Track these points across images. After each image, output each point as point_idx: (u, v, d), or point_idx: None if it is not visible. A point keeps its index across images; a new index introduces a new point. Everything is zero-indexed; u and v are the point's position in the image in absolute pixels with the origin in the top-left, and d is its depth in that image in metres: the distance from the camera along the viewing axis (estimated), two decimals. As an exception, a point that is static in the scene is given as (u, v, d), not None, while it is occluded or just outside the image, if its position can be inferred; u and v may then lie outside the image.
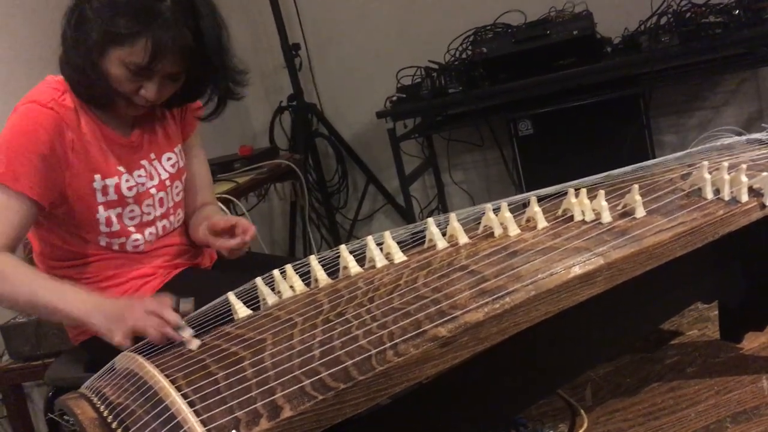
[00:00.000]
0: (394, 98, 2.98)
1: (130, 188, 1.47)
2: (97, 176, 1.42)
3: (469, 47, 2.96)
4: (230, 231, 1.46)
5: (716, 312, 1.87)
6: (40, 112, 1.35)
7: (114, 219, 1.45)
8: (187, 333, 1.15)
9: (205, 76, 1.45)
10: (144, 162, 1.51)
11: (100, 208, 1.44)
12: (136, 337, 1.22)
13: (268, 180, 2.90)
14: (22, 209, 1.34)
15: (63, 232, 1.46)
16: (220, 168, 2.73)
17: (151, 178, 1.52)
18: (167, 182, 1.55)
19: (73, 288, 1.33)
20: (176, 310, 1.23)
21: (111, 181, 1.44)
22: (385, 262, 1.28)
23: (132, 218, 1.48)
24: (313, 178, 3.48)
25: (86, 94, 1.39)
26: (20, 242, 1.38)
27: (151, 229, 1.52)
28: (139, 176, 1.49)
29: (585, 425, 1.60)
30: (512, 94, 2.80)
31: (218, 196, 2.40)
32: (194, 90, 1.50)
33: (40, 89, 1.40)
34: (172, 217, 1.57)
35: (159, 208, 1.53)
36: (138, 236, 1.50)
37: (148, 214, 1.50)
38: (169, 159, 1.56)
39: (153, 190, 1.51)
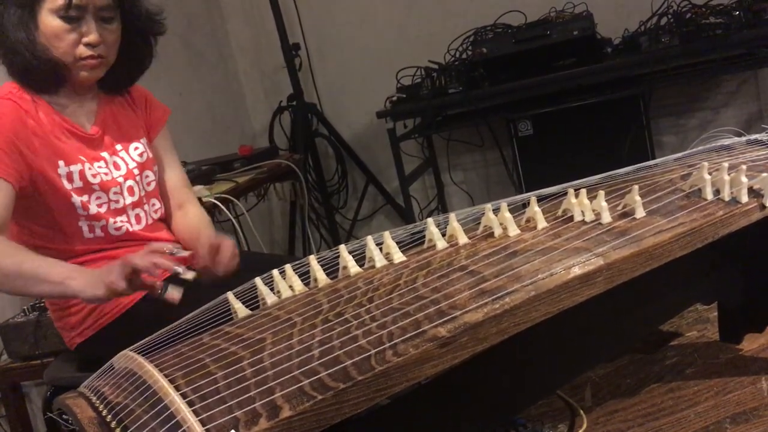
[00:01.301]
0: (394, 98, 2.98)
1: (94, 176, 1.49)
2: (61, 162, 1.45)
3: (470, 47, 2.96)
4: (215, 253, 1.46)
5: (716, 313, 1.87)
6: (0, 103, 1.40)
7: (89, 204, 1.47)
8: (180, 268, 1.16)
9: (130, 17, 1.50)
10: (104, 154, 1.53)
11: (73, 194, 1.45)
12: (135, 333, 1.22)
13: (268, 180, 2.90)
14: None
15: (46, 231, 1.47)
16: (219, 168, 2.73)
17: (117, 168, 1.54)
18: (135, 170, 1.56)
19: (61, 261, 1.36)
20: (161, 295, 1.24)
21: (75, 168, 1.46)
22: (385, 262, 1.28)
23: (100, 205, 1.49)
24: (312, 178, 3.48)
25: (34, 75, 1.44)
26: (4, 225, 1.38)
27: (122, 217, 1.53)
28: (99, 167, 1.51)
29: (584, 426, 1.59)
30: (512, 94, 2.80)
31: (218, 195, 2.40)
32: (130, 50, 1.54)
33: None
34: (146, 206, 1.58)
35: (129, 196, 1.54)
36: (114, 220, 1.51)
37: (116, 201, 1.52)
38: (136, 149, 1.59)
39: (120, 179, 1.53)
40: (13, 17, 1.40)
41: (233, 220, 2.55)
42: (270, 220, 3.69)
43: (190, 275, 1.16)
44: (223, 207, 2.39)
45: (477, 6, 3.11)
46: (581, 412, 1.64)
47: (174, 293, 1.24)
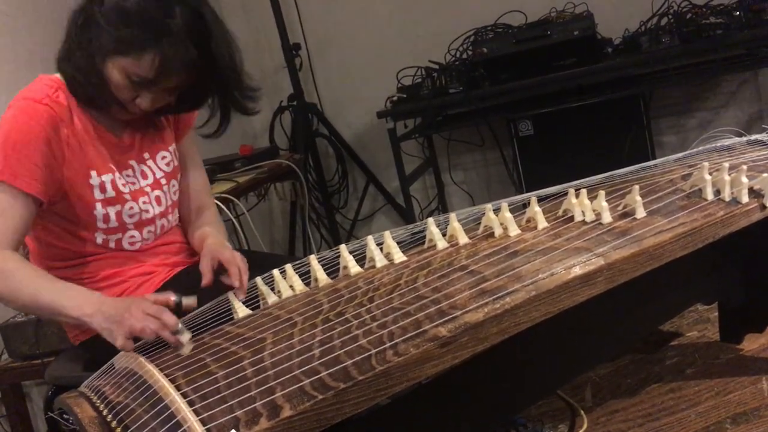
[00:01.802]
0: (395, 98, 2.98)
1: (124, 185, 1.46)
2: (93, 172, 1.42)
3: (470, 47, 2.96)
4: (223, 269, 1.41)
5: (716, 313, 1.87)
6: (34, 108, 1.35)
7: (112, 216, 1.45)
8: (185, 337, 1.15)
9: (205, 91, 1.44)
10: (132, 162, 1.50)
11: (98, 205, 1.43)
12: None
13: (268, 180, 2.90)
14: (22, 207, 1.34)
15: (60, 230, 1.46)
16: (220, 167, 2.72)
17: (145, 177, 1.51)
18: (162, 180, 1.54)
19: (75, 287, 1.32)
20: (179, 305, 1.23)
21: (107, 177, 1.44)
22: (385, 262, 1.28)
23: (131, 216, 1.48)
24: (313, 177, 3.48)
25: (82, 94, 1.39)
26: (22, 240, 1.38)
27: (150, 227, 1.51)
28: (128, 176, 1.48)
29: (585, 426, 1.59)
30: (512, 94, 2.80)
31: (218, 195, 2.40)
32: (194, 100, 1.48)
33: (33, 87, 1.40)
34: (170, 216, 1.57)
35: (157, 206, 1.52)
36: (135, 233, 1.49)
37: (147, 211, 1.50)
38: (164, 158, 1.56)
39: (147, 188, 1.51)
40: (94, 44, 1.34)
41: (234, 220, 2.55)
42: (270, 219, 3.69)
43: (186, 350, 1.15)
44: (223, 207, 2.39)
45: (477, 6, 3.11)
46: (582, 412, 1.64)
47: (190, 302, 1.25)
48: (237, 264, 1.35)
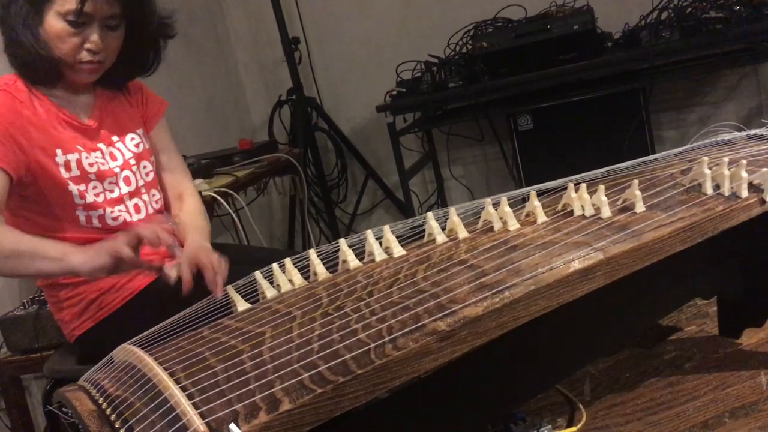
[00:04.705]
0: (394, 92, 2.97)
1: (90, 164, 1.49)
2: (59, 150, 1.46)
3: (470, 41, 2.96)
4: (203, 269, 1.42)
5: (715, 308, 1.87)
6: None
7: (86, 192, 1.48)
8: (178, 251, 1.18)
9: (137, 28, 1.50)
10: (101, 145, 1.54)
11: (70, 183, 1.46)
12: (135, 326, 1.23)
13: (268, 174, 2.90)
14: None
15: (42, 219, 1.47)
16: (219, 161, 2.72)
17: (114, 159, 1.54)
18: (132, 161, 1.57)
19: (57, 241, 1.38)
20: (160, 269, 1.27)
21: (72, 156, 1.47)
22: (384, 256, 1.28)
23: (97, 194, 1.50)
24: (312, 172, 3.48)
25: (34, 70, 1.44)
26: (1, 211, 1.40)
27: (120, 206, 1.53)
28: (96, 157, 1.51)
29: (583, 420, 1.60)
30: (512, 88, 2.80)
31: (217, 189, 2.40)
32: (134, 53, 1.54)
33: None
34: (145, 197, 1.58)
35: (125, 186, 1.55)
36: (111, 209, 1.51)
37: (111, 191, 1.52)
38: (132, 139, 1.60)
39: (117, 169, 1.54)
40: (21, 12, 1.40)
41: (233, 214, 2.55)
42: (269, 214, 3.69)
43: (173, 274, 1.17)
44: (222, 201, 2.39)
45: (477, 0, 3.10)
46: (580, 406, 1.65)
47: (171, 271, 1.25)
48: (212, 269, 1.34)
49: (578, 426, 1.58)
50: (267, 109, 3.53)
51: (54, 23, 1.40)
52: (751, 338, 1.80)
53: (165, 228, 1.27)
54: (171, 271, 1.22)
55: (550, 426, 1.57)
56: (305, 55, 3.45)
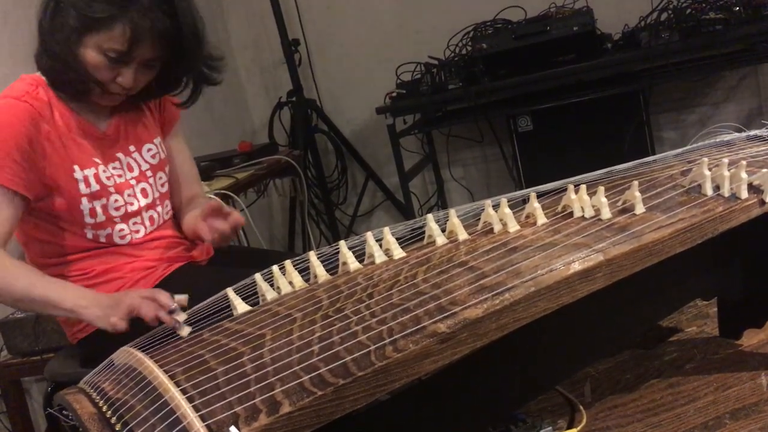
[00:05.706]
0: (394, 94, 2.97)
1: (108, 178, 1.47)
2: (76, 167, 1.44)
3: (469, 43, 2.96)
4: (223, 215, 1.49)
5: (715, 309, 1.87)
6: (14, 106, 1.37)
7: (99, 210, 1.46)
8: (181, 317, 1.19)
9: (180, 64, 1.46)
10: (119, 155, 1.52)
11: (84, 200, 1.44)
12: (133, 327, 1.23)
13: (268, 176, 2.90)
14: (7, 203, 1.36)
15: (50, 227, 1.46)
16: (219, 164, 2.72)
17: (131, 170, 1.53)
18: (148, 173, 1.55)
19: (69, 283, 1.36)
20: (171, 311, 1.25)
21: (89, 172, 1.45)
22: (385, 258, 1.28)
23: (117, 209, 1.48)
24: (312, 174, 3.48)
25: (61, 82, 1.41)
26: (10, 236, 1.38)
27: (136, 219, 1.52)
28: (114, 168, 1.50)
29: (584, 421, 1.60)
30: (512, 90, 2.80)
31: (217, 191, 2.40)
32: (170, 80, 1.51)
33: (14, 86, 1.42)
34: (159, 208, 1.57)
35: (143, 198, 1.53)
36: (123, 226, 1.50)
37: (131, 204, 1.51)
38: (149, 150, 1.57)
39: (133, 181, 1.52)
40: (65, 28, 1.36)
41: (233, 216, 2.55)
42: (270, 216, 3.68)
43: (185, 332, 1.18)
44: (222, 203, 2.38)
45: (477, 2, 3.10)
46: (581, 407, 1.64)
47: (181, 299, 1.26)
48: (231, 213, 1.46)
49: (579, 427, 1.58)
50: (267, 111, 3.53)
51: (93, 54, 1.36)
52: (751, 339, 1.80)
53: (177, 300, 1.26)
54: (182, 331, 1.21)
55: (550, 427, 1.57)
56: (305, 57, 3.45)
